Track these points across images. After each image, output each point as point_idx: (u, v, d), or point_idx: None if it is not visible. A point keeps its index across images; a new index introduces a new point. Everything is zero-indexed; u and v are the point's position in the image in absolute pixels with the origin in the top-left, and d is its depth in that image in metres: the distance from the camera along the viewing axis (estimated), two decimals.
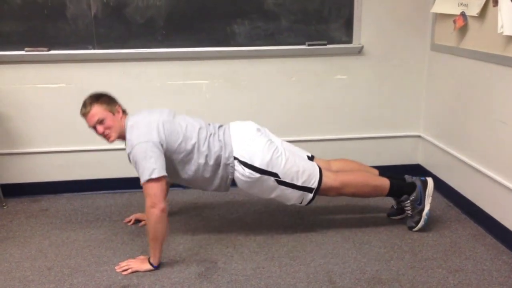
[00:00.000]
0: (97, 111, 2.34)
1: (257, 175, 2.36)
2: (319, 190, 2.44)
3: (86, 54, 2.94)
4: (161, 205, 2.18)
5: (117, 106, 2.40)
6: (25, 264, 2.36)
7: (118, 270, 2.28)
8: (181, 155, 2.34)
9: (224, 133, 2.44)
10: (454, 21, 2.74)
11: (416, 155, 3.36)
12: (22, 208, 2.98)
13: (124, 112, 2.43)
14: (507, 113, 2.40)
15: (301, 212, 2.85)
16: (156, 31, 2.95)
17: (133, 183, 3.18)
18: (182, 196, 3.12)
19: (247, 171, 2.36)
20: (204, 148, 2.36)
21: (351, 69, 3.17)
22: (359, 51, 3.13)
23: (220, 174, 2.40)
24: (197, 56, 3.03)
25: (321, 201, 2.93)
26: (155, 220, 2.18)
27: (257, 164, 2.35)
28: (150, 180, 2.18)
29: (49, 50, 2.91)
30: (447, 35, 2.88)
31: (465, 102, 2.77)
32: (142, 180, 2.20)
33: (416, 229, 2.58)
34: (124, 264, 2.31)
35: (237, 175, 2.39)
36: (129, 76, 3.04)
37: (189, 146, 2.34)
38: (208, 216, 2.85)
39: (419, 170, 3.26)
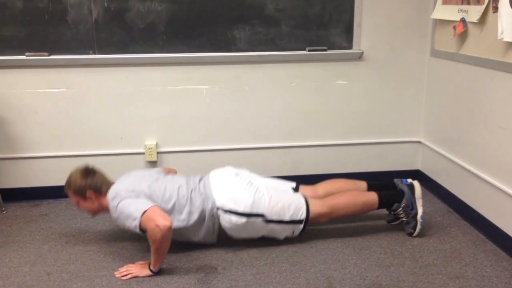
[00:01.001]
0: (70, 196, 2.45)
1: (244, 219, 2.38)
2: (308, 220, 2.46)
3: (87, 59, 2.95)
4: (164, 223, 2.14)
5: (88, 193, 2.39)
6: (24, 269, 2.35)
7: (117, 276, 2.27)
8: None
9: (204, 186, 2.46)
10: (454, 27, 2.74)
11: (416, 160, 3.36)
12: (21, 212, 2.98)
13: (100, 192, 2.41)
14: (507, 119, 2.40)
15: None
16: (156, 36, 2.96)
17: None
18: None
19: (233, 218, 2.38)
20: (185, 206, 2.37)
21: (351, 75, 3.17)
22: (359, 56, 3.13)
23: (206, 226, 2.41)
24: (198, 61, 3.04)
25: None
26: (159, 239, 2.15)
27: (241, 209, 2.38)
28: (143, 214, 2.18)
29: (50, 54, 2.91)
30: (447, 41, 2.89)
31: (465, 108, 2.77)
32: (137, 222, 2.19)
33: (415, 234, 2.57)
34: (123, 270, 2.30)
35: (224, 223, 2.41)
36: (130, 81, 3.04)
37: (169, 207, 2.35)
38: None
39: (419, 176, 3.26)
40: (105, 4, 2.88)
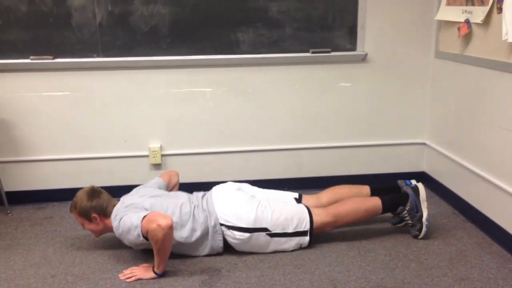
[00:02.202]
0: (75, 217, 2.47)
1: (247, 234, 2.39)
2: (313, 230, 2.46)
3: (91, 62, 2.96)
4: (165, 223, 2.14)
5: (92, 215, 2.40)
6: (29, 271, 2.36)
7: (121, 278, 2.28)
8: None
9: (207, 202, 2.47)
10: (459, 29, 2.73)
11: (421, 162, 3.35)
12: (26, 215, 2.98)
13: (105, 214, 2.42)
14: None
15: None
16: (160, 39, 2.97)
17: None
18: None
19: (237, 234, 2.39)
20: (188, 222, 2.38)
21: (355, 77, 3.16)
22: (363, 58, 3.13)
23: (210, 242, 2.42)
24: (201, 64, 3.04)
25: None
26: (161, 239, 2.15)
27: (244, 224, 2.38)
28: (143, 219, 2.20)
29: (54, 58, 2.93)
30: (451, 42, 2.88)
31: (469, 109, 2.76)
32: (139, 230, 2.20)
33: (420, 236, 2.56)
34: (128, 272, 2.30)
35: (228, 239, 2.42)
36: (134, 83, 3.05)
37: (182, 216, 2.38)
38: None
39: (424, 178, 3.24)
40: (109, 7, 2.89)
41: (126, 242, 2.35)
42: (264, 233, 2.40)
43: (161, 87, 3.07)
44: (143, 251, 2.49)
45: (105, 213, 2.43)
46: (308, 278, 2.26)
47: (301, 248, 2.49)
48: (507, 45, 2.35)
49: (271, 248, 2.45)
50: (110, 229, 2.43)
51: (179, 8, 2.94)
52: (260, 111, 3.16)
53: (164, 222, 2.14)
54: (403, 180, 2.68)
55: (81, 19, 2.90)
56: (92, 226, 2.44)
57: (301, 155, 3.26)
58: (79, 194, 2.47)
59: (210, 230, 2.40)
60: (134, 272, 2.29)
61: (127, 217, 2.28)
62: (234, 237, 2.39)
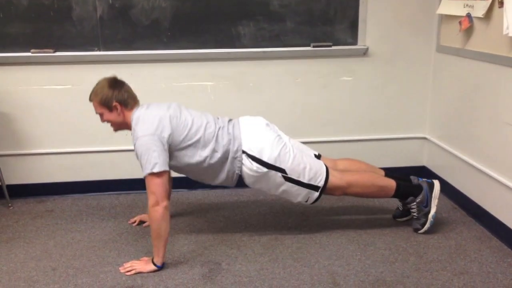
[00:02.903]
0: (95, 105, 2.38)
1: (265, 169, 2.36)
2: (325, 189, 2.44)
3: (92, 56, 2.96)
4: (163, 203, 2.19)
5: (113, 103, 2.34)
6: (30, 264, 2.37)
7: (122, 271, 2.29)
8: (186, 149, 2.35)
9: (233, 127, 2.44)
10: (460, 23, 2.72)
11: (421, 157, 3.35)
12: (27, 208, 3.00)
13: (126, 105, 2.37)
14: None
15: (305, 214, 2.85)
16: (161, 32, 2.96)
17: (138, 184, 3.19)
18: (186, 197, 3.12)
19: (255, 165, 2.36)
20: (210, 142, 2.36)
21: (356, 71, 3.16)
22: (364, 52, 3.12)
23: (227, 168, 2.40)
24: (202, 58, 3.04)
25: (326, 202, 2.93)
26: (158, 218, 2.18)
27: (265, 158, 2.35)
28: (152, 174, 2.19)
29: (55, 51, 2.93)
30: (452, 36, 2.87)
31: (471, 103, 2.76)
32: (144, 173, 2.21)
33: (422, 231, 2.56)
34: (128, 265, 2.31)
35: (244, 169, 2.39)
36: (135, 77, 3.03)
37: (194, 140, 2.34)
38: (212, 217, 2.85)
39: (424, 172, 3.24)
40: (110, 1, 2.89)
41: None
42: (280, 174, 2.37)
43: (162, 81, 3.07)
44: (144, 243, 2.50)
45: (126, 104, 2.36)
46: (308, 271, 2.26)
47: (306, 202, 2.47)
48: (508, 40, 2.34)
49: (280, 190, 2.43)
50: (128, 125, 2.37)
51: (180, 1, 2.93)
52: (261, 105, 3.15)
53: (162, 204, 2.17)
54: (416, 177, 2.65)
55: (82, 12, 2.90)
56: (112, 116, 2.37)
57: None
58: (101, 82, 2.40)
59: (231, 155, 2.38)
60: (134, 266, 2.30)
61: (145, 142, 2.23)
62: (252, 168, 2.36)
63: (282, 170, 2.38)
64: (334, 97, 3.19)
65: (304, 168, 2.40)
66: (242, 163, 2.38)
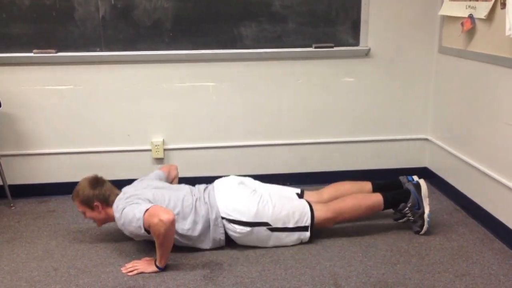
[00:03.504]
0: (77, 205, 2.48)
1: (248, 228, 2.40)
2: (313, 226, 2.46)
3: (94, 56, 2.96)
4: (168, 216, 2.15)
5: (94, 203, 2.41)
6: (32, 264, 2.37)
7: (124, 271, 2.29)
8: None
9: (209, 195, 2.47)
10: (462, 24, 2.72)
11: (423, 158, 3.34)
12: (29, 208, 3.00)
13: (107, 203, 2.43)
14: None
15: None
16: (163, 33, 2.97)
17: None
18: None
19: (238, 228, 2.40)
20: (190, 215, 2.39)
21: (358, 72, 3.16)
22: (366, 53, 3.12)
23: (211, 235, 2.42)
24: (204, 58, 3.04)
25: None
26: (164, 231, 2.16)
27: (245, 218, 2.39)
28: (145, 213, 2.20)
29: (57, 52, 2.93)
30: (454, 37, 2.87)
31: (473, 104, 2.75)
32: (140, 223, 2.21)
33: (422, 232, 2.56)
34: (130, 265, 2.31)
35: (229, 232, 2.42)
36: (137, 78, 3.05)
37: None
38: None
39: (426, 173, 3.24)
40: (112, 1, 2.89)
41: (127, 233, 2.36)
42: (265, 228, 2.41)
43: (164, 82, 3.07)
44: (145, 243, 2.50)
45: (107, 202, 2.44)
46: (309, 273, 2.26)
47: (301, 243, 2.49)
48: (511, 41, 2.34)
49: (272, 242, 2.46)
50: (112, 218, 2.43)
51: (182, 2, 2.93)
52: (263, 105, 3.16)
53: (166, 217, 2.14)
54: (405, 176, 2.68)
55: (84, 13, 2.90)
56: (94, 214, 2.45)
57: (304, 149, 3.26)
58: (82, 182, 2.48)
59: (212, 223, 2.41)
60: (136, 266, 2.30)
61: (129, 208, 2.28)
62: (235, 230, 2.40)
63: (265, 224, 2.41)
64: (336, 98, 3.19)
65: (287, 214, 2.43)
66: (224, 228, 2.41)
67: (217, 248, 2.47)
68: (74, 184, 3.15)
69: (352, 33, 3.10)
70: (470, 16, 2.64)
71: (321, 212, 2.48)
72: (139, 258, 2.37)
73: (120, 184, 3.18)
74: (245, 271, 2.28)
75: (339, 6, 3.04)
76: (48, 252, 2.48)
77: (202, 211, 2.41)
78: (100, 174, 3.17)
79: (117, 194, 2.46)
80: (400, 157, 3.31)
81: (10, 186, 3.04)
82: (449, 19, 2.92)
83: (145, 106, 3.09)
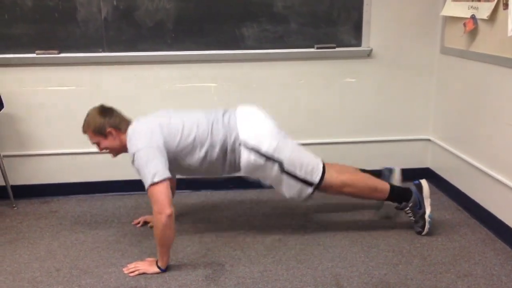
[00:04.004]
0: (90, 136, 2.43)
1: (262, 161, 2.34)
2: (319, 186, 2.42)
3: (96, 57, 2.97)
4: (167, 211, 2.16)
5: (107, 130, 2.38)
6: (34, 265, 2.38)
7: (126, 272, 2.29)
8: (184, 152, 2.35)
9: (229, 119, 2.41)
10: (464, 24, 2.72)
11: (425, 158, 3.34)
12: (31, 209, 3.01)
13: (120, 129, 2.41)
14: None
15: (308, 215, 2.84)
16: (165, 34, 2.97)
17: (141, 185, 3.18)
18: (189, 199, 3.12)
19: (253, 157, 2.34)
20: (207, 139, 2.35)
21: (360, 72, 3.16)
22: (368, 54, 3.12)
23: (229, 159, 2.38)
24: (206, 59, 3.04)
25: (329, 203, 2.93)
26: (162, 226, 2.17)
27: (263, 149, 2.33)
28: (153, 184, 2.18)
29: (59, 53, 2.94)
30: (457, 38, 2.86)
31: (475, 105, 2.75)
32: (146, 185, 2.21)
33: (424, 233, 2.56)
34: (132, 266, 2.32)
35: (242, 160, 2.36)
36: (139, 78, 3.05)
37: (189, 141, 2.34)
38: (215, 218, 2.85)
39: (428, 174, 3.24)
40: (114, 2, 2.90)
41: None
42: (278, 166, 2.35)
43: (166, 82, 3.07)
44: (148, 245, 2.51)
45: (120, 129, 2.39)
46: (311, 273, 2.26)
47: (298, 197, 2.43)
48: None
49: (274, 182, 2.41)
50: (125, 147, 2.37)
51: (184, 3, 2.94)
52: (265, 106, 3.13)
53: (166, 212, 2.15)
54: (387, 169, 2.66)
55: (87, 14, 2.91)
56: (108, 142, 2.40)
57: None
58: (90, 112, 2.43)
59: (229, 148, 2.36)
60: (138, 267, 2.30)
61: (141, 155, 2.23)
62: (249, 159, 2.34)
63: (280, 162, 2.35)
64: (338, 98, 3.19)
65: (302, 163, 2.38)
66: (240, 154, 2.36)
67: (215, 243, 2.46)
68: (76, 185, 3.19)
69: (354, 34, 3.10)
70: (473, 17, 2.64)
71: (331, 177, 2.43)
72: (141, 259, 2.38)
73: (124, 184, 3.20)
74: (247, 272, 2.28)
75: (341, 7, 3.04)
76: (51, 253, 2.49)
77: (219, 134, 2.36)
78: (102, 174, 3.19)
79: (128, 121, 2.42)
80: (402, 157, 3.31)
81: (13, 187, 3.05)
82: (451, 20, 2.92)
83: (147, 106, 3.08)
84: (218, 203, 3.07)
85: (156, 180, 2.18)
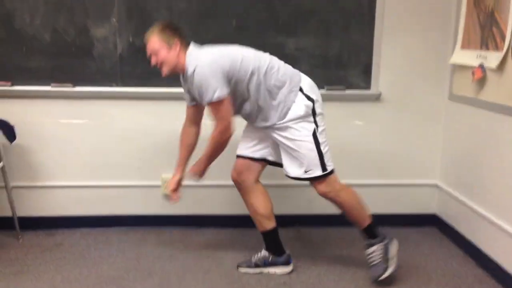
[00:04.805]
0: (154, 40, 2.30)
1: (310, 111, 2.37)
2: (327, 176, 2.44)
3: (110, 92, 3.01)
4: (231, 130, 2.22)
5: (175, 40, 2.29)
6: None
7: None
8: (261, 74, 2.35)
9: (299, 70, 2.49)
10: (473, 73, 2.75)
11: (432, 204, 3.32)
12: (37, 241, 3.00)
13: (184, 45, 2.33)
14: None
15: (315, 258, 2.82)
16: None
17: (147, 220, 3.20)
18: (194, 236, 3.11)
19: (304, 106, 2.35)
20: (281, 67, 2.40)
21: (368, 115, 3.18)
22: (377, 97, 3.15)
23: (284, 98, 2.36)
24: None
25: (334, 245, 2.90)
26: (223, 142, 2.26)
27: (317, 104, 2.39)
28: (215, 101, 2.18)
29: (74, 86, 2.99)
30: (465, 85, 2.89)
31: (482, 153, 2.75)
32: (207, 100, 2.20)
33: (382, 278, 2.47)
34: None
35: (297, 101, 2.36)
36: (151, 113, 3.09)
37: (266, 65, 2.36)
38: (220, 257, 2.83)
39: (435, 220, 3.22)
40: (130, 39, 2.97)
41: (190, 91, 2.38)
42: (314, 126, 2.39)
43: (178, 118, 3.06)
44: (159, 281, 2.48)
45: (184, 44, 2.32)
46: None
47: (303, 174, 2.44)
48: None
49: (297, 145, 2.38)
50: (181, 67, 2.32)
51: (199, 42, 2.99)
52: None
53: (231, 131, 2.22)
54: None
55: (103, 50, 2.97)
56: (169, 55, 2.29)
57: (311, 191, 3.24)
58: (160, 23, 2.37)
59: (290, 86, 2.38)
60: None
61: (205, 69, 2.21)
62: (300, 107, 2.35)
63: (317, 125, 2.39)
64: (345, 140, 3.20)
65: (327, 145, 2.44)
66: (295, 99, 2.37)
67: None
68: (82, 218, 3.18)
69: (364, 77, 3.14)
70: (481, 66, 2.67)
71: (335, 180, 2.49)
72: None
73: (129, 219, 3.19)
74: None
75: (351, 50, 3.09)
76: (54, 287, 2.47)
77: (288, 70, 2.42)
78: (108, 208, 3.19)
79: (189, 43, 2.37)
80: (409, 202, 3.29)
81: (19, 218, 3.05)
82: (460, 67, 2.96)
83: (158, 141, 3.11)
84: (223, 241, 3.05)
85: (217, 95, 2.18)
